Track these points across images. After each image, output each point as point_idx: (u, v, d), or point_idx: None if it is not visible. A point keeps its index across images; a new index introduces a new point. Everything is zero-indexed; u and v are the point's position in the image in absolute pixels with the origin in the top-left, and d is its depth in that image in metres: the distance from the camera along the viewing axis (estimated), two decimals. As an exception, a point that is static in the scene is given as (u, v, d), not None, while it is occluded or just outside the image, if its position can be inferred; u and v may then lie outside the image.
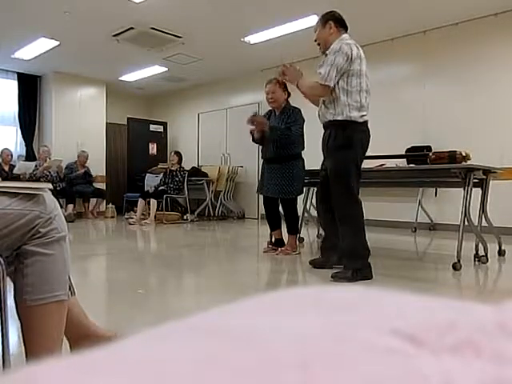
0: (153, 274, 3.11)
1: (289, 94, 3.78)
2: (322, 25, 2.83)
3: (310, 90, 2.80)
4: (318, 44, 2.87)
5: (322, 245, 3.22)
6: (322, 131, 2.89)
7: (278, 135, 3.57)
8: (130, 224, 6.47)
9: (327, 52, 2.75)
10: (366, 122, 2.75)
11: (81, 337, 1.26)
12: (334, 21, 2.79)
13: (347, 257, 2.72)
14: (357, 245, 2.70)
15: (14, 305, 1.05)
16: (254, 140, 3.80)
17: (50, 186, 1.10)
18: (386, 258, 3.66)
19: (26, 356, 1.06)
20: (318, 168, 3.08)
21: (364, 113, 2.71)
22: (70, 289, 1.14)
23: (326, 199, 2.89)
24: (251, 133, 3.73)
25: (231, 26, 5.68)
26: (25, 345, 1.05)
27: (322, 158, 2.97)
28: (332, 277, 2.68)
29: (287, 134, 3.57)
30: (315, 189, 3.52)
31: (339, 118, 2.69)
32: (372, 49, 6.17)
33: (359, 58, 2.68)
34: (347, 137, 2.68)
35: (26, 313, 1.04)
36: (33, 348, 1.05)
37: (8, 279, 1.06)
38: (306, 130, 3.71)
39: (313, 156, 3.79)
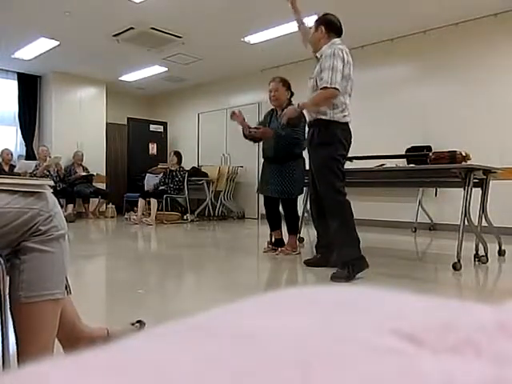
0: (153, 274, 3.11)
1: (292, 94, 3.76)
2: (315, 28, 2.95)
3: (319, 102, 2.81)
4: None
5: (316, 244, 3.26)
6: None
7: (285, 141, 3.61)
8: (130, 223, 6.47)
9: (317, 55, 2.89)
10: (347, 123, 2.86)
11: (74, 338, 1.22)
12: (325, 25, 2.90)
13: (338, 249, 2.77)
14: (345, 235, 2.75)
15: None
16: (245, 137, 3.81)
17: (51, 182, 1.09)
18: (386, 258, 3.66)
19: (18, 354, 1.03)
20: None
21: (346, 113, 2.82)
22: (66, 288, 1.12)
23: (318, 199, 2.96)
24: (243, 131, 3.75)
25: (231, 26, 5.68)
26: (17, 343, 1.03)
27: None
28: (331, 278, 2.68)
29: (293, 139, 3.60)
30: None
31: (323, 117, 2.80)
32: (372, 49, 6.19)
33: (349, 63, 2.80)
34: (329, 135, 2.79)
35: (20, 310, 1.02)
36: (25, 347, 1.03)
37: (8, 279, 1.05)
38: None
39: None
